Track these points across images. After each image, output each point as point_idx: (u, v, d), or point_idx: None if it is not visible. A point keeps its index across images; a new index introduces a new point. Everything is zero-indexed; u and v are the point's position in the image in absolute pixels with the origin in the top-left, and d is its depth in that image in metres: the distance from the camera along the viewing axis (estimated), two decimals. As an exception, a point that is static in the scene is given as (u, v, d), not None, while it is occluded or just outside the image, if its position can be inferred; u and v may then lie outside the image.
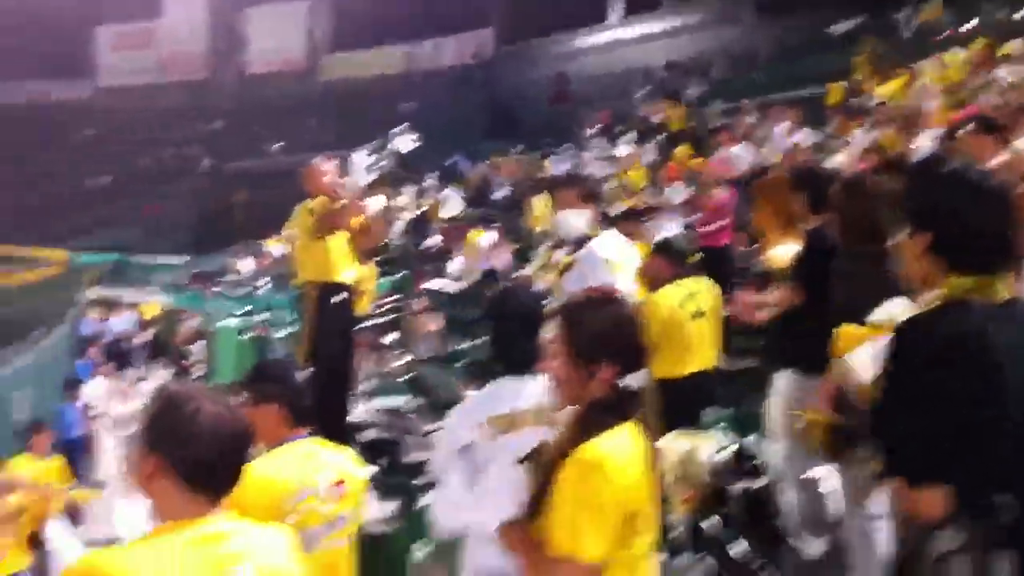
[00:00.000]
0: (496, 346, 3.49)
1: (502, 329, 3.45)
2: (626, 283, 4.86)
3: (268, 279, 19.26)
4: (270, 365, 3.82)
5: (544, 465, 2.47)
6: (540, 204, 14.28)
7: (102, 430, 13.38)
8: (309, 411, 3.52)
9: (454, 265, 14.40)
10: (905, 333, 2.26)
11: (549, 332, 2.62)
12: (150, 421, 2.10)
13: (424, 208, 18.70)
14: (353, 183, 6.88)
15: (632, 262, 5.09)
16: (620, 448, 2.38)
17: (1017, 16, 16.57)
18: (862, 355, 3.20)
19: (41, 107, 48.03)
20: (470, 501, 3.07)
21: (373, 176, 7.44)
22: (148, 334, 19.78)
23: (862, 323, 3.75)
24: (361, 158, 6.92)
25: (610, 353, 2.47)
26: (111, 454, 12.82)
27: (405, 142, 9.47)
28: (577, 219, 5.08)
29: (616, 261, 4.95)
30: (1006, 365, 2.15)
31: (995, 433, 2.13)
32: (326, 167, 6.91)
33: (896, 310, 3.58)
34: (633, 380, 2.48)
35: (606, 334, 2.49)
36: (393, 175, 23.87)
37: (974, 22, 17.10)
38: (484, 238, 14.26)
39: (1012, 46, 12.10)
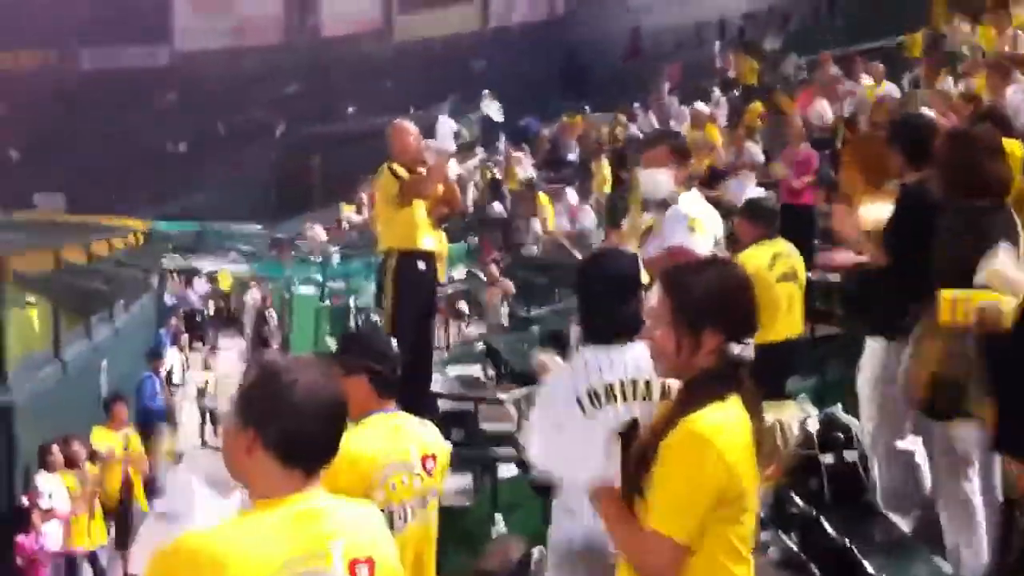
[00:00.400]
0: (587, 314, 3.33)
1: (594, 296, 3.28)
2: (706, 244, 4.64)
3: (344, 246, 19.31)
4: (359, 335, 3.73)
5: (643, 440, 2.35)
6: (604, 166, 14.06)
7: (182, 400, 13.58)
8: (397, 382, 3.43)
9: (532, 229, 14.24)
10: None
11: (651, 298, 2.47)
12: (246, 394, 2.05)
13: (496, 173, 18.54)
14: (439, 148, 6.72)
15: (715, 223, 4.87)
16: (729, 423, 2.26)
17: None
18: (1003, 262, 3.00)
19: (120, 72, 48.88)
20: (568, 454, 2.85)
21: (459, 141, 7.31)
22: (224, 303, 20.01)
23: (968, 285, 3.53)
24: (447, 122, 6.77)
25: (717, 320, 2.33)
26: (191, 425, 13.03)
27: (495, 109, 9.27)
28: (664, 178, 4.84)
29: (700, 220, 4.72)
30: None
31: None
32: (412, 128, 6.73)
33: (999, 264, 3.33)
34: (742, 349, 2.32)
35: (712, 300, 2.34)
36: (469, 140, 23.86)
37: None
38: (569, 195, 14.07)
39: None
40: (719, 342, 2.31)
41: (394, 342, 3.54)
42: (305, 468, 2.02)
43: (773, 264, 5.78)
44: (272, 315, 16.58)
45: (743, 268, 2.51)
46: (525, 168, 17.39)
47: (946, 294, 3.58)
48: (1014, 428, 2.10)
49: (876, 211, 5.28)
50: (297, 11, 48.96)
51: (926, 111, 8.89)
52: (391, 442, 3.30)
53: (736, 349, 2.31)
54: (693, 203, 4.77)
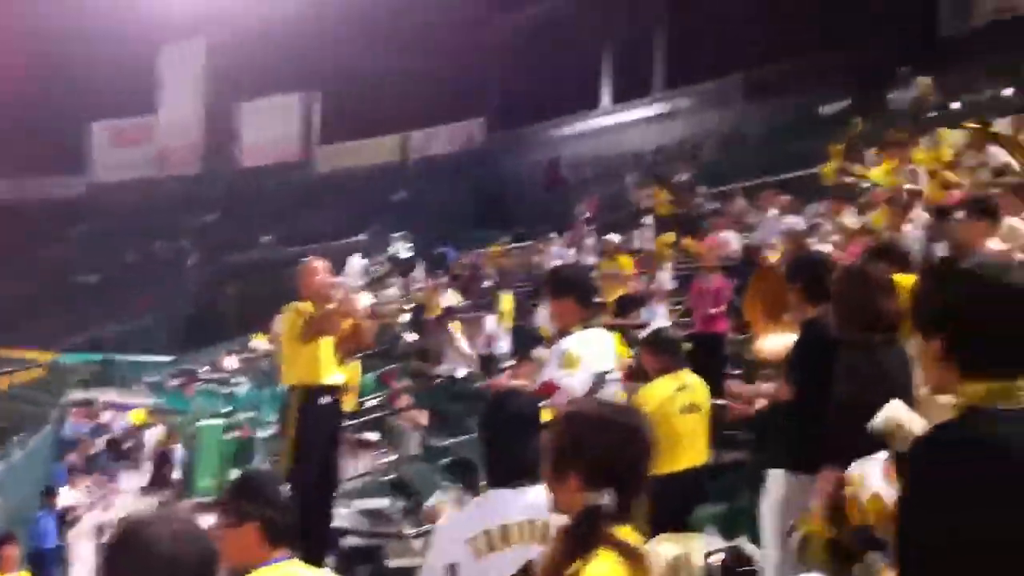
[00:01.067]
0: (488, 455, 3.28)
1: (495, 437, 3.25)
2: (580, 379, 4.69)
3: (252, 377, 18.97)
4: (250, 480, 3.57)
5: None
6: (507, 299, 14.23)
7: (80, 538, 13.01)
8: (290, 530, 3.27)
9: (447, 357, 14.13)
10: (921, 448, 2.13)
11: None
12: (106, 553, 2.03)
13: (415, 304, 18.50)
14: (348, 284, 6.85)
15: (605, 357, 4.91)
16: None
17: (1006, 93, 16.68)
18: (871, 465, 3.05)
19: (34, 203, 48.38)
20: None
21: (367, 278, 7.41)
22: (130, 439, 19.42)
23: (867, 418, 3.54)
24: (357, 261, 6.87)
25: (575, 466, 2.37)
26: (86, 565, 12.43)
27: (403, 248, 9.40)
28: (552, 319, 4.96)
29: (577, 356, 4.75)
30: None
31: (1017, 549, 1.97)
32: (318, 265, 6.77)
33: (895, 415, 3.36)
34: (600, 497, 2.30)
35: (571, 446, 2.40)
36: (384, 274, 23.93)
37: (956, 104, 17.21)
38: (487, 323, 14.09)
39: (1001, 124, 12.06)
40: (578, 488, 2.32)
41: (283, 486, 3.40)
42: None
43: (676, 396, 5.81)
44: (175, 451, 16.09)
45: (623, 417, 2.50)
46: (447, 297, 17.38)
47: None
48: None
49: (776, 342, 5.37)
50: (217, 141, 49.29)
51: (825, 246, 9.16)
52: None
53: (593, 497, 2.30)
54: (579, 340, 4.81)
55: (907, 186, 10.74)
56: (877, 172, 12.55)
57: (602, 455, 2.37)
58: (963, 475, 1.98)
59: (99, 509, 13.63)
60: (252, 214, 41.52)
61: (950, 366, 2.10)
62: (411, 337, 16.00)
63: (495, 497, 3.11)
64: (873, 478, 2.81)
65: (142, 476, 16.35)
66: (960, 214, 6.70)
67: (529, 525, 2.99)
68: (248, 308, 29.15)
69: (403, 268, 21.11)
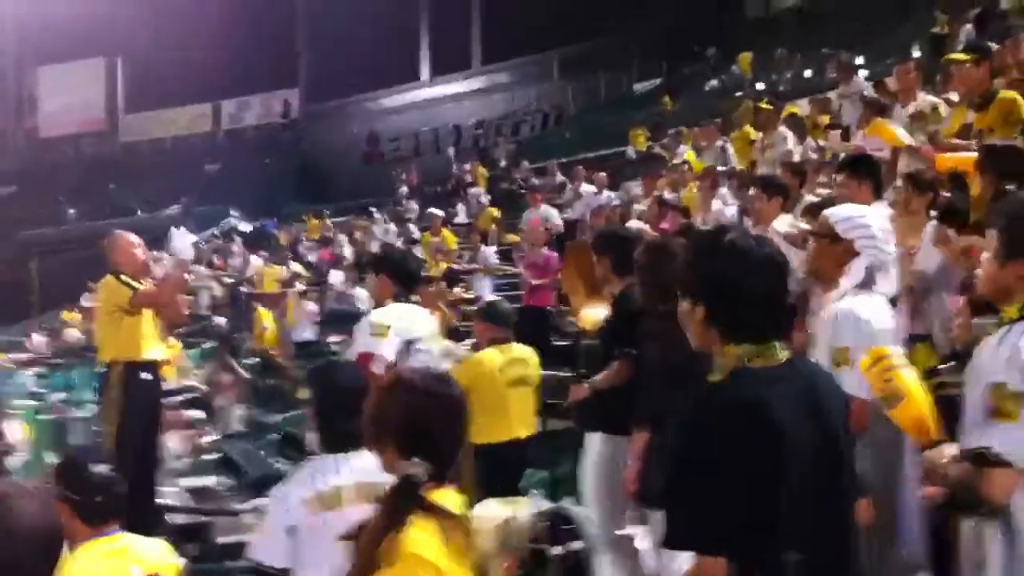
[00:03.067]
0: (320, 420, 3.38)
1: (326, 403, 3.36)
2: (392, 346, 4.92)
3: (66, 354, 18.23)
4: (63, 463, 3.59)
5: (366, 544, 2.37)
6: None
7: None
8: (108, 507, 3.31)
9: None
10: (692, 412, 2.29)
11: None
12: None
13: (234, 278, 18.19)
14: (180, 257, 6.63)
15: (415, 326, 5.14)
16: (430, 539, 2.33)
17: (807, 74, 17.67)
18: None
19: None
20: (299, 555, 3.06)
21: (198, 251, 7.23)
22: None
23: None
24: (183, 233, 6.67)
25: (392, 436, 2.46)
26: None
27: (243, 223, 9.24)
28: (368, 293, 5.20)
29: (385, 324, 5.00)
30: (789, 425, 2.21)
31: (778, 496, 2.19)
32: (136, 240, 6.56)
33: None
34: (413, 466, 2.39)
35: (387, 417, 2.48)
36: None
37: (760, 84, 18.11)
38: (308, 304, 14.06)
39: (801, 105, 12.81)
40: (395, 456, 2.43)
41: (100, 467, 3.41)
42: None
43: (506, 368, 5.96)
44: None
45: (435, 385, 2.55)
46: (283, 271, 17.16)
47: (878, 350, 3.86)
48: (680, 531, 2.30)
49: (594, 314, 5.67)
50: (13, 110, 46.49)
51: (637, 222, 9.60)
52: (111, 566, 3.21)
53: (406, 466, 2.39)
54: (387, 311, 5.06)
55: (718, 167, 11.31)
56: (690, 153, 13.10)
57: (413, 423, 2.44)
58: (733, 434, 2.17)
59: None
60: (53, 187, 39.45)
61: (712, 330, 2.34)
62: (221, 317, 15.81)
63: (326, 461, 3.24)
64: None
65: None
66: (753, 191, 7.17)
67: (360, 487, 3.12)
68: (53, 285, 27.89)
69: (245, 240, 20.65)
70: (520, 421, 5.99)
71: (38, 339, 20.48)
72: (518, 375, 6.01)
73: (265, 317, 13.60)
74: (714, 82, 20.07)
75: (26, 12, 43.20)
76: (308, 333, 13.80)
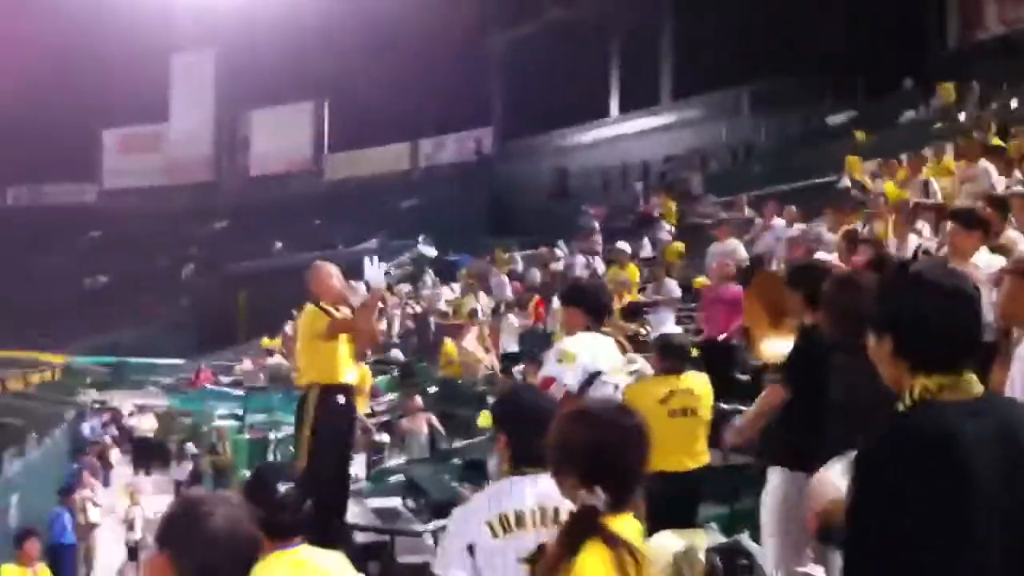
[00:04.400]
0: (504, 443, 3.45)
1: (510, 428, 3.38)
2: (574, 374, 4.93)
3: (266, 380, 19.18)
4: (251, 479, 3.77)
5: (543, 570, 2.47)
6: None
7: (99, 535, 13.21)
8: (293, 523, 3.45)
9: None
10: (871, 443, 2.20)
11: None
12: (166, 521, 2.16)
13: (420, 308, 18.71)
14: (374, 285, 6.89)
15: (603, 357, 5.12)
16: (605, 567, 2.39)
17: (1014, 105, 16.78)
18: (834, 470, 3.13)
19: (46, 209, 48.70)
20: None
21: (389, 280, 7.47)
22: (149, 435, 19.61)
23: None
24: (375, 261, 6.90)
25: (569, 466, 2.51)
26: (112, 561, 12.67)
27: (429, 248, 9.52)
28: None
29: (572, 353, 5.00)
30: (979, 462, 2.09)
31: (960, 541, 2.08)
32: (334, 270, 6.82)
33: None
34: (595, 499, 2.44)
35: (562, 447, 2.55)
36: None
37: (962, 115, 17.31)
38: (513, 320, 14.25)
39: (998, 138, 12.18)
40: (574, 485, 2.49)
41: (283, 485, 3.55)
42: None
43: (668, 399, 5.92)
44: (190, 450, 16.28)
45: (616, 416, 2.62)
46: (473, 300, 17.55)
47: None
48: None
49: (776, 347, 5.55)
50: (227, 151, 49.56)
51: (825, 255, 9.32)
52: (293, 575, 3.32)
53: (586, 496, 2.44)
54: (577, 340, 5.06)
55: (916, 199, 10.86)
56: (889, 185, 12.63)
57: (597, 454, 2.50)
58: (916, 468, 2.08)
59: (123, 507, 13.80)
60: (262, 222, 41.75)
61: (900, 363, 2.26)
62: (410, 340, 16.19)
63: (510, 483, 3.23)
64: (834, 474, 2.94)
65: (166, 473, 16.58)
66: (951, 225, 6.85)
67: (541, 511, 3.11)
68: (258, 314, 29.42)
69: (431, 267, 21.14)
70: (684, 452, 5.93)
71: (245, 364, 21.59)
72: (683, 406, 5.97)
73: (451, 350, 13.84)
74: (911, 114, 19.32)
75: (240, 59, 46.13)
76: (513, 346, 13.91)
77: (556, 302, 12.70)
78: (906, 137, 17.03)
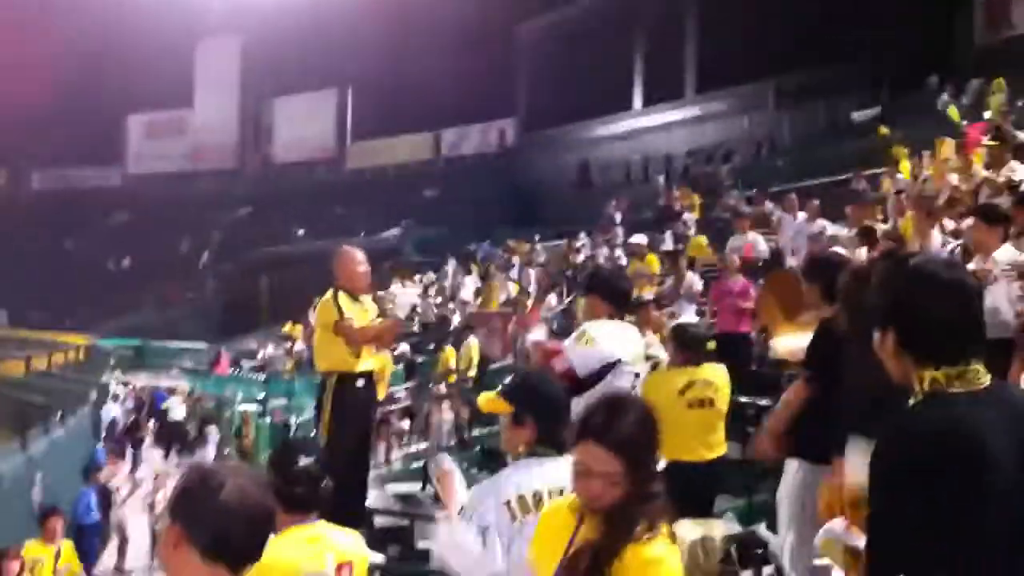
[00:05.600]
0: (537, 428, 3.48)
1: (542, 413, 3.40)
2: (591, 354, 4.92)
3: (287, 364, 19.31)
4: (277, 449, 3.84)
5: (579, 557, 2.51)
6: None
7: (131, 514, 13.36)
8: (310, 498, 3.52)
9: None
10: (888, 435, 2.21)
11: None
12: (178, 492, 2.17)
13: (439, 299, 18.77)
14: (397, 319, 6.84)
15: (623, 346, 5.12)
16: (670, 550, 2.51)
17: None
18: (855, 459, 3.15)
19: (72, 192, 49.08)
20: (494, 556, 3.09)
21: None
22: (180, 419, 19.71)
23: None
24: (407, 291, 6.89)
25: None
26: (142, 540, 12.80)
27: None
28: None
29: (593, 336, 5.01)
30: (992, 450, 2.11)
31: (984, 530, 2.09)
32: (360, 257, 6.78)
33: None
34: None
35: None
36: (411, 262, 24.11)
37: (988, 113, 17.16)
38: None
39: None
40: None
41: (305, 459, 3.62)
42: (226, 567, 2.10)
43: (686, 390, 5.95)
44: (211, 432, 16.41)
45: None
46: (468, 291, 17.62)
47: (825, 488, 3.80)
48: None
49: (791, 341, 5.58)
50: (251, 138, 49.76)
51: (842, 249, 9.31)
52: (307, 552, 3.37)
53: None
54: (600, 326, 5.08)
55: (939, 194, 10.80)
56: (906, 179, 12.59)
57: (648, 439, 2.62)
58: (931, 459, 2.08)
59: (148, 487, 13.94)
60: (285, 209, 41.95)
61: (905, 356, 2.27)
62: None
63: (528, 465, 3.28)
64: (839, 534, 2.98)
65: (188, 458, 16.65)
66: (970, 220, 6.85)
67: (559, 493, 3.13)
68: (280, 299, 29.62)
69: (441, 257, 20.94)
70: (701, 442, 5.96)
71: (265, 349, 21.70)
72: (701, 396, 5.99)
73: (473, 349, 13.77)
74: (939, 108, 19.17)
75: (265, 46, 46.28)
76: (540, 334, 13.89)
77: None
78: (930, 134, 16.91)
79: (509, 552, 3.09)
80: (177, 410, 19.42)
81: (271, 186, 46.41)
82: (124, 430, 18.61)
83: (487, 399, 3.49)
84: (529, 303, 14.67)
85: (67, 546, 9.86)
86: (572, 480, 2.69)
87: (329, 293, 6.64)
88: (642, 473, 2.56)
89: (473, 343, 13.83)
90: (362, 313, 6.61)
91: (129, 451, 16.05)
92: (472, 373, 13.26)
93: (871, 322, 2.39)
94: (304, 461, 3.58)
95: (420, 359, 15.54)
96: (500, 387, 3.49)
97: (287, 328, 23.45)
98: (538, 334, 13.06)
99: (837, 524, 3.07)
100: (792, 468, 5.09)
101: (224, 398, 18.27)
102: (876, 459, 2.20)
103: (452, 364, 13.66)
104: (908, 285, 2.30)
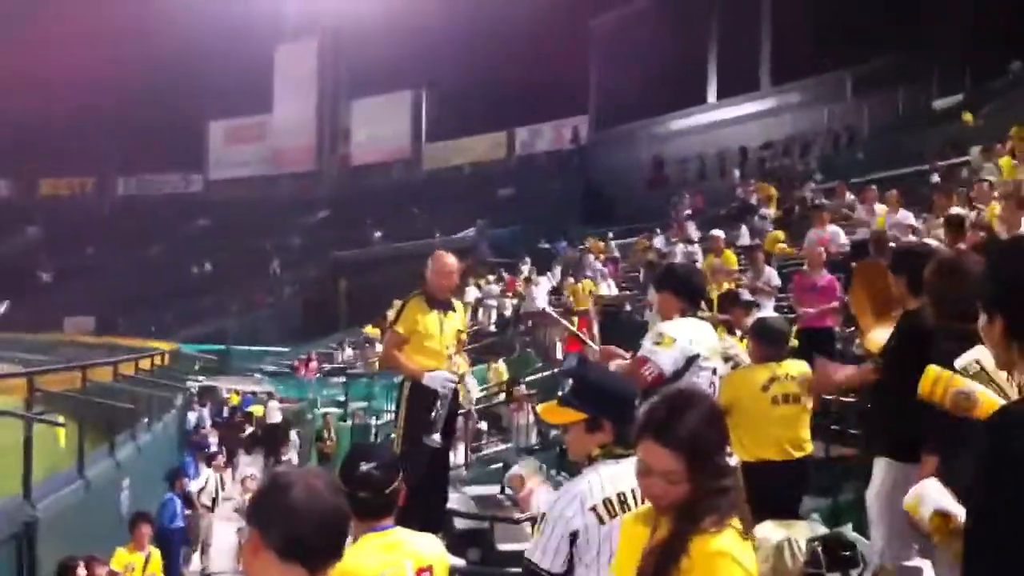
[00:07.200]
0: (615, 430, 3.47)
1: (619, 414, 3.29)
2: (670, 356, 4.84)
3: (367, 367, 19.47)
4: (345, 457, 3.85)
5: (655, 553, 2.46)
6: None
7: (213, 521, 13.55)
8: (384, 504, 3.51)
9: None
10: (997, 423, 2.07)
11: None
12: (254, 499, 2.21)
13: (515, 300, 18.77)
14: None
15: (701, 342, 5.02)
16: (738, 543, 2.43)
17: None
18: (927, 486, 3.06)
19: (155, 199, 50.25)
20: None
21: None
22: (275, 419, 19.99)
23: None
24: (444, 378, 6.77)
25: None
26: (225, 546, 12.98)
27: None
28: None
29: (671, 335, 4.91)
30: None
31: None
32: (455, 265, 6.70)
33: (982, 355, 3.44)
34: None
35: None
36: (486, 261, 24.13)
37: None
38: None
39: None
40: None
41: (366, 465, 3.60)
42: (305, 567, 2.11)
43: (769, 386, 5.80)
44: (293, 434, 16.62)
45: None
46: (542, 293, 17.53)
47: (931, 369, 3.69)
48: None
49: (882, 336, 5.42)
50: (328, 141, 50.40)
51: (932, 241, 9.05)
52: (386, 557, 3.36)
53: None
54: (676, 324, 4.98)
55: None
56: (1005, 159, 12.21)
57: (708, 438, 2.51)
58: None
59: (237, 493, 14.13)
60: (362, 211, 42.36)
61: (1013, 344, 2.10)
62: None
63: (608, 467, 3.22)
64: (931, 496, 2.86)
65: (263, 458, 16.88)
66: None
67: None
68: (359, 301, 29.90)
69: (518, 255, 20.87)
70: (788, 440, 5.79)
71: (346, 351, 21.89)
72: (785, 392, 5.82)
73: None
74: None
75: (340, 51, 46.86)
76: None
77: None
78: (1015, 120, 16.42)
79: (599, 557, 3.05)
80: (274, 414, 19.67)
81: (349, 188, 46.97)
82: (219, 437, 18.93)
83: (551, 410, 3.41)
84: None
85: (155, 554, 10.00)
86: (636, 479, 2.65)
87: (410, 298, 6.65)
88: (707, 470, 2.48)
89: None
90: (434, 323, 6.58)
91: (221, 457, 16.31)
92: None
93: (970, 311, 2.26)
94: (365, 467, 3.57)
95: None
96: (562, 394, 3.35)
97: (367, 329, 23.65)
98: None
99: (932, 485, 2.99)
100: (880, 467, 4.96)
101: (306, 402, 18.49)
102: (984, 448, 2.06)
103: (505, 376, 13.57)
104: (1019, 268, 2.13)
